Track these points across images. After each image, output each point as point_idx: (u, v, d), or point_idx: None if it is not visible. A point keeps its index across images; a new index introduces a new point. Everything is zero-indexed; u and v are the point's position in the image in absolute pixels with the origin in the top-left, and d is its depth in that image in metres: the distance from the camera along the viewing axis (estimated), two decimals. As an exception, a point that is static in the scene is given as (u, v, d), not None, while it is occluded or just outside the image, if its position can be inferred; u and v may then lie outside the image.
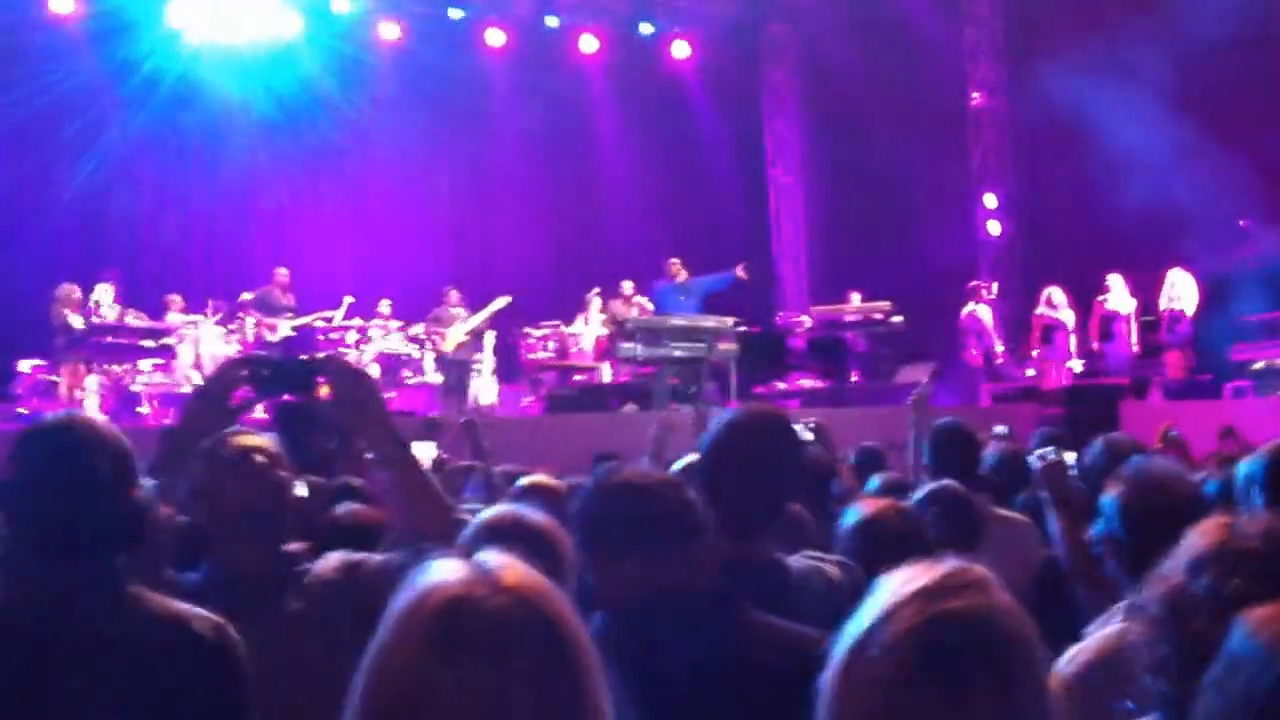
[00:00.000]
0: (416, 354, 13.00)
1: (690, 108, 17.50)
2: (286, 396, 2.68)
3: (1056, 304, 13.52)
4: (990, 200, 15.84)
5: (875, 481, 4.37)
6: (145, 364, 12.01)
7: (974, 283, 14.58)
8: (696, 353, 11.73)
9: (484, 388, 13.15)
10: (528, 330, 13.41)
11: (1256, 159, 11.89)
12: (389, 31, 15.95)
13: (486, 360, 13.25)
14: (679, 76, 17.53)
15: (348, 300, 13.13)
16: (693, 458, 3.21)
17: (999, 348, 14.18)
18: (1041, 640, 1.36)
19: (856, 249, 15.48)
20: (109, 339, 11.82)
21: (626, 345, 11.80)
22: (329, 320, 12.98)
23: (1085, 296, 13.44)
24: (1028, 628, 1.34)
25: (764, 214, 17.83)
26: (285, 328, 12.77)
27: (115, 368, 11.85)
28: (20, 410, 11.14)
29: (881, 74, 14.80)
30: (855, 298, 14.13)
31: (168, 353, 12.11)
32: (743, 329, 12.34)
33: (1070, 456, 3.72)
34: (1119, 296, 13.16)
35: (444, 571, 1.29)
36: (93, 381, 11.51)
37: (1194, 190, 11.49)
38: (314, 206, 15.26)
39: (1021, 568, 3.64)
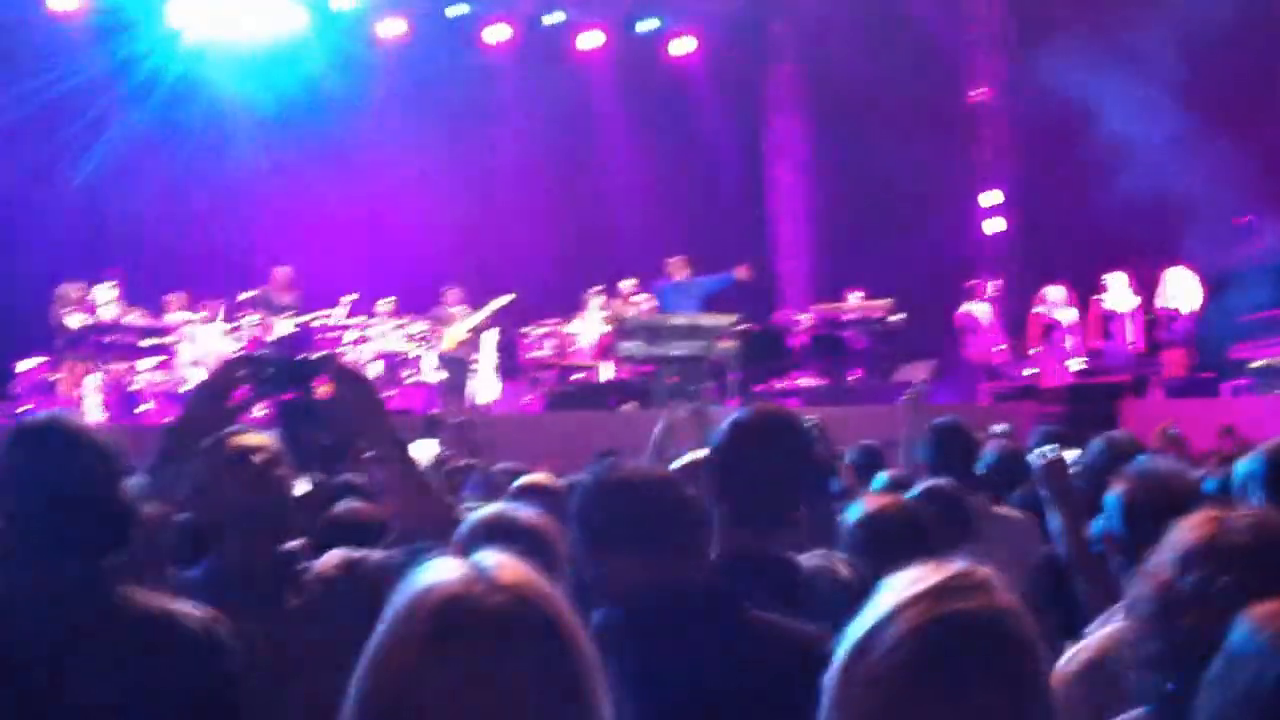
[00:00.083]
0: (417, 352, 13.00)
1: (692, 104, 17.49)
2: (287, 395, 2.67)
3: (1056, 302, 13.52)
4: (990, 198, 15.83)
5: (882, 478, 4.39)
6: (146, 363, 12.01)
7: (973, 281, 14.58)
8: (696, 351, 11.75)
9: (484, 386, 13.14)
10: (527, 329, 13.40)
11: (1257, 156, 11.89)
12: (390, 28, 15.95)
13: (487, 359, 13.24)
14: (681, 73, 17.52)
15: (348, 299, 13.12)
16: (694, 456, 3.22)
17: (998, 346, 14.19)
18: (1042, 638, 1.36)
19: (857, 246, 15.47)
20: (109, 338, 11.82)
21: (626, 344, 11.82)
22: (329, 319, 12.97)
23: (1085, 294, 13.43)
24: (1032, 630, 1.34)
25: (764, 211, 17.82)
26: (286, 326, 12.76)
27: (116, 366, 11.85)
28: (22, 409, 11.13)
29: (883, 71, 14.79)
30: (855, 296, 14.12)
31: (168, 351, 12.11)
32: (742, 327, 12.34)
33: (1072, 454, 3.72)
34: (1119, 295, 13.15)
35: (442, 570, 1.29)
36: (93, 380, 11.51)
37: (1194, 188, 11.49)
38: (314, 205, 15.24)
39: (1020, 565, 3.64)
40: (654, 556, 2.23)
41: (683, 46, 17.43)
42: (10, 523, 2.13)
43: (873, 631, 1.32)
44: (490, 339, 13.25)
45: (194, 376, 11.47)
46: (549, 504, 3.38)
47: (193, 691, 2.12)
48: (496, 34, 16.50)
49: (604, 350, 13.15)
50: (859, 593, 1.39)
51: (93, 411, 11.03)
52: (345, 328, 12.85)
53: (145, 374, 11.94)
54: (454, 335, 13.15)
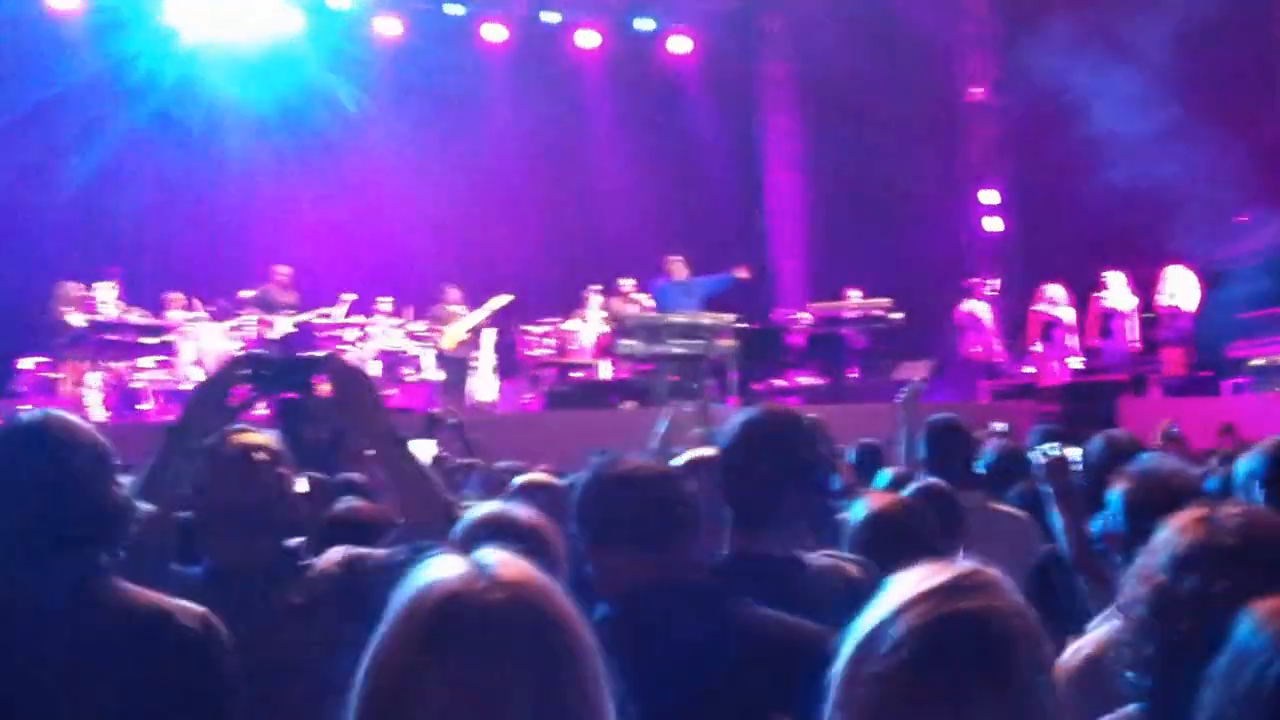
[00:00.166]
0: (416, 351, 13.00)
1: (689, 103, 17.49)
2: (288, 394, 2.68)
3: (1056, 300, 13.51)
4: (988, 196, 15.84)
5: (885, 476, 4.39)
6: (146, 361, 12.02)
7: (972, 279, 14.58)
8: (695, 350, 11.74)
9: (484, 385, 13.14)
10: (527, 327, 13.41)
11: (1256, 153, 11.89)
12: (387, 27, 15.96)
13: (486, 357, 13.24)
14: (677, 71, 17.52)
15: (348, 298, 13.12)
16: (695, 453, 3.22)
17: (996, 344, 14.19)
18: (1046, 637, 1.37)
19: (855, 245, 15.46)
20: (110, 336, 11.83)
21: (626, 342, 11.82)
22: (329, 317, 12.97)
23: (1084, 293, 13.43)
24: (1036, 630, 1.35)
25: (762, 209, 17.82)
26: (285, 325, 12.76)
27: (116, 365, 11.86)
28: (23, 407, 11.14)
29: (879, 69, 14.79)
30: (854, 294, 14.12)
31: (169, 350, 12.12)
32: (741, 326, 12.34)
33: (1074, 453, 3.74)
34: (1118, 293, 13.14)
35: (443, 567, 1.29)
36: (94, 379, 11.52)
37: (1193, 185, 11.49)
38: (314, 203, 15.24)
39: (1020, 562, 3.65)
40: (652, 553, 2.23)
41: (678, 45, 17.43)
42: (3, 521, 2.12)
43: (877, 630, 1.33)
44: (489, 338, 13.25)
45: (194, 375, 11.48)
46: (549, 502, 3.39)
47: (187, 688, 2.12)
48: (493, 33, 16.50)
49: (603, 349, 13.15)
50: (868, 592, 1.39)
51: (94, 410, 11.03)
52: (345, 326, 12.85)
53: (146, 373, 11.94)
54: (454, 334, 13.15)
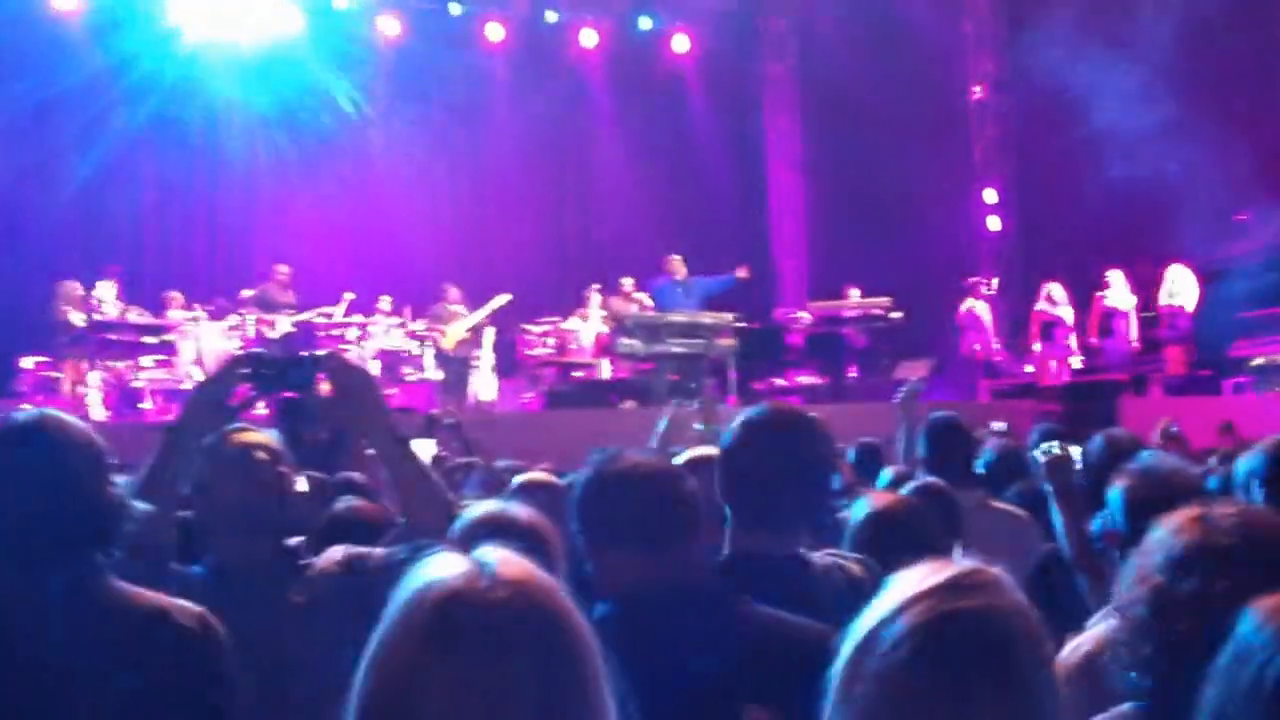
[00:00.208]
0: (417, 350, 13.00)
1: (689, 102, 17.50)
2: (288, 393, 2.67)
3: (1056, 300, 13.51)
4: (988, 195, 15.84)
5: (887, 475, 4.40)
6: (147, 360, 12.02)
7: (973, 278, 14.57)
8: (695, 349, 11.75)
9: (484, 384, 13.15)
10: (527, 326, 13.41)
11: (1257, 153, 11.88)
12: (388, 27, 15.96)
13: (486, 357, 13.24)
14: (678, 70, 17.53)
15: (348, 297, 13.13)
16: (694, 452, 3.21)
17: (997, 343, 14.19)
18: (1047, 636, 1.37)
19: (855, 244, 15.47)
20: (111, 335, 11.83)
21: (626, 341, 11.82)
22: (329, 317, 12.97)
23: (1085, 292, 13.43)
24: (1039, 629, 1.34)
25: (763, 209, 17.82)
26: (285, 324, 12.76)
27: (117, 364, 11.86)
28: (25, 407, 11.13)
29: (879, 68, 14.80)
30: (854, 293, 14.13)
31: (169, 349, 12.12)
32: (741, 325, 12.35)
33: (1075, 451, 3.74)
34: (1119, 292, 13.14)
35: (444, 566, 1.28)
36: (95, 378, 11.52)
37: (1194, 184, 11.49)
38: (314, 202, 15.25)
39: (1020, 561, 3.64)
40: (653, 552, 2.23)
41: (679, 45, 17.43)
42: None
43: (878, 627, 1.32)
44: (489, 338, 13.26)
45: (194, 375, 11.49)
46: (548, 501, 3.39)
47: (184, 687, 2.11)
48: (494, 32, 16.50)
49: (603, 348, 13.15)
50: (872, 591, 1.39)
51: (94, 409, 11.04)
52: (345, 325, 12.86)
53: (146, 372, 11.95)
54: (454, 334, 13.15)
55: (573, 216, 17.33)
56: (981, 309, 14.17)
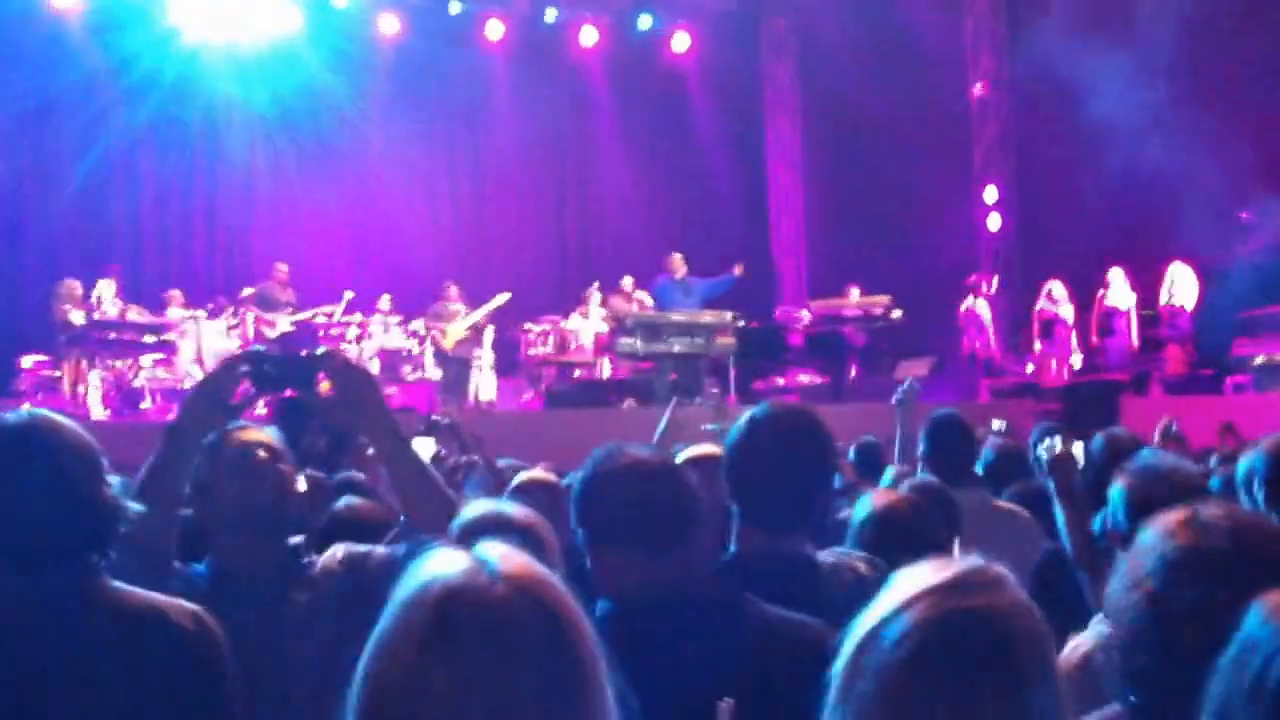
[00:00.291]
0: (417, 349, 13.00)
1: (690, 101, 17.49)
2: (288, 392, 2.67)
3: (1057, 299, 13.50)
4: (989, 194, 15.83)
5: (892, 474, 4.39)
6: (147, 359, 12.01)
7: (973, 278, 14.57)
8: (695, 348, 11.75)
9: (484, 383, 13.14)
10: (527, 325, 13.40)
11: (1258, 152, 11.88)
12: (388, 25, 15.96)
13: (486, 356, 13.25)
14: (678, 69, 17.52)
15: (347, 295, 13.13)
16: (695, 450, 3.21)
17: (997, 342, 14.19)
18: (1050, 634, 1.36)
19: (856, 243, 15.47)
20: (111, 335, 11.82)
21: (626, 340, 11.82)
22: (329, 316, 12.97)
23: (1086, 291, 13.42)
24: (1042, 627, 1.34)
25: (763, 208, 17.82)
26: (285, 323, 12.76)
27: (117, 363, 11.86)
28: (24, 406, 11.12)
29: (881, 68, 14.79)
30: (855, 292, 14.12)
31: (169, 348, 12.12)
32: (741, 324, 12.34)
33: (1078, 449, 3.73)
34: (1120, 291, 13.12)
35: (444, 562, 1.28)
36: (95, 377, 11.52)
37: (1195, 183, 11.49)
38: (313, 202, 15.25)
39: (1021, 559, 3.64)
40: (654, 550, 2.22)
41: (679, 44, 17.42)
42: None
43: (880, 625, 1.32)
44: (489, 337, 13.26)
45: (194, 374, 11.48)
46: (548, 500, 3.39)
47: (183, 686, 2.11)
48: (494, 30, 16.50)
49: (603, 347, 13.15)
50: (878, 590, 1.39)
51: (94, 408, 11.03)
52: (345, 324, 12.85)
53: (147, 371, 11.94)
54: (454, 333, 13.15)
55: (573, 216, 17.33)
56: (982, 308, 14.17)
